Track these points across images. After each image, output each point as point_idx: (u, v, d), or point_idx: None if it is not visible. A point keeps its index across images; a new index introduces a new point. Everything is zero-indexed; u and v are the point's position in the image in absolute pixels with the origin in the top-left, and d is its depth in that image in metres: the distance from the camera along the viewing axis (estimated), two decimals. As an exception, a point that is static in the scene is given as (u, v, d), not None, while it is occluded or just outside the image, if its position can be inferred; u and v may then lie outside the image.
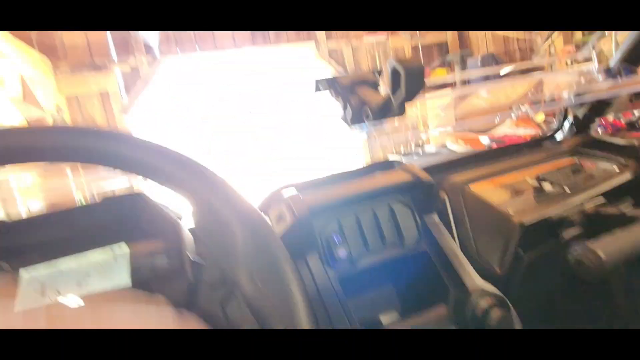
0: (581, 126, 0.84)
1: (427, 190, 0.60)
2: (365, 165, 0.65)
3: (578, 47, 3.34)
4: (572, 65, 3.26)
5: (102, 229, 0.38)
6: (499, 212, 0.62)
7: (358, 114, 0.47)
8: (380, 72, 0.54)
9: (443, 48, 4.92)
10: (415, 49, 4.75)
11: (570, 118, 0.85)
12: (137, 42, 3.82)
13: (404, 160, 0.67)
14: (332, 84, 0.51)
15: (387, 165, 0.65)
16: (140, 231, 0.38)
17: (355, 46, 4.68)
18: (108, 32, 3.78)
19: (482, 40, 4.67)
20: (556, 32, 3.52)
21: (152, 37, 3.46)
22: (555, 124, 0.90)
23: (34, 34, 3.37)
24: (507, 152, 0.80)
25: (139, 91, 3.70)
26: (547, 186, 0.69)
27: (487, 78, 3.75)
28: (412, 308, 0.55)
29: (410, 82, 0.37)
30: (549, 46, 3.62)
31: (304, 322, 0.23)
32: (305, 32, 4.47)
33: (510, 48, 4.34)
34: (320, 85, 0.51)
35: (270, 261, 0.24)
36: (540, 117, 3.34)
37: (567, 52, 3.47)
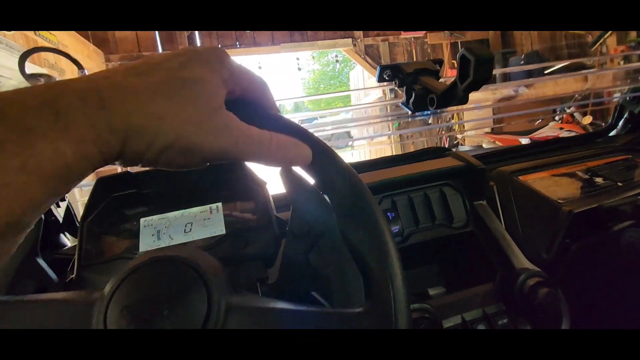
0: (637, 123, 0.83)
1: (478, 175, 0.63)
2: (417, 150, 0.69)
3: (632, 48, 3.15)
4: (624, 64, 3.08)
5: (203, 184, 0.45)
6: (549, 201, 0.64)
7: (422, 101, 0.51)
8: (439, 62, 0.58)
9: (484, 45, 4.78)
10: (454, 45, 4.66)
11: (626, 115, 0.84)
12: (181, 36, 4.03)
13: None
14: (396, 72, 0.55)
15: (439, 151, 0.68)
16: (233, 188, 0.45)
17: (392, 42, 4.67)
18: None
19: (527, 37, 4.49)
20: (609, 31, 3.33)
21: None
22: (608, 122, 0.89)
23: None
24: (557, 146, 0.81)
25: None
26: (598, 180, 0.70)
27: (531, 76, 3.62)
28: (458, 284, 0.59)
29: (479, 69, 0.41)
30: (600, 45, 3.43)
31: (394, 259, 0.28)
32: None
33: (557, 45, 4.14)
34: (384, 72, 0.56)
35: (366, 209, 0.29)
36: (587, 120, 3.18)
37: (620, 51, 3.28)
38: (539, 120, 3.33)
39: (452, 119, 3.98)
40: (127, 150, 0.20)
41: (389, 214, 0.60)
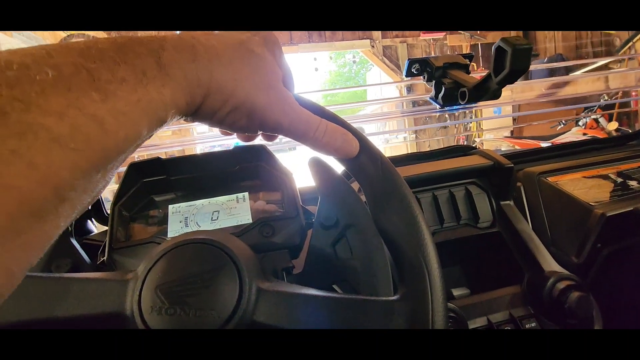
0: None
1: (505, 174, 0.61)
2: (442, 148, 0.68)
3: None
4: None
5: (232, 171, 0.45)
6: (579, 203, 0.62)
7: (452, 95, 0.50)
8: (469, 57, 0.57)
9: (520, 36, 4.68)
10: (473, 47, 4.58)
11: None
12: None
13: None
14: (425, 65, 0.54)
15: (465, 149, 0.67)
16: (260, 177, 0.45)
17: (411, 44, 4.62)
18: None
19: (550, 39, 4.38)
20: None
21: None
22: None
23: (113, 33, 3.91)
24: (588, 148, 0.78)
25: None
26: (632, 183, 0.67)
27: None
28: (483, 286, 0.57)
29: (516, 60, 0.39)
30: (629, 49, 3.32)
31: (430, 245, 0.27)
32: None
33: (582, 49, 4.02)
34: (412, 66, 0.55)
35: (400, 197, 0.28)
36: (612, 126, 3.07)
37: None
38: (560, 125, 3.23)
39: (470, 125, 3.91)
40: (205, 105, 0.22)
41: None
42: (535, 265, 0.56)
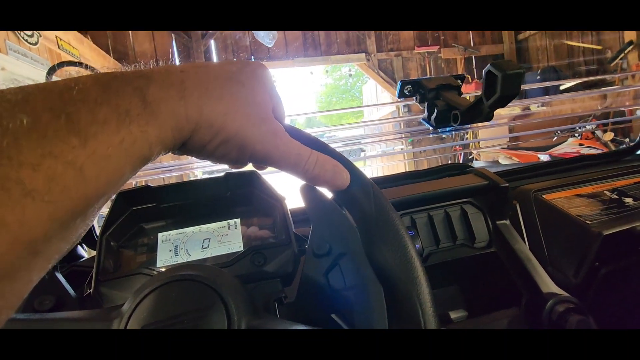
0: (666, 141, 0.80)
1: (500, 194, 0.61)
2: (437, 166, 0.68)
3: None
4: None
5: (223, 197, 0.44)
6: (576, 221, 0.61)
7: (445, 117, 0.50)
8: (460, 78, 0.57)
9: (511, 61, 4.69)
10: (467, 60, 4.63)
11: (654, 132, 0.81)
12: (197, 50, 4.13)
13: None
14: (417, 87, 0.55)
15: (459, 167, 0.67)
16: (252, 203, 0.44)
17: (406, 57, 4.66)
18: (174, 43, 4.16)
19: (543, 53, 4.43)
20: (630, 46, 3.27)
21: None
22: (632, 139, 0.86)
23: (110, 42, 3.82)
24: (582, 164, 0.78)
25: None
26: (628, 200, 0.67)
27: (547, 92, 3.56)
28: (480, 308, 0.56)
29: (507, 86, 0.39)
30: (620, 60, 3.37)
31: (423, 282, 0.26)
32: (356, 43, 4.51)
33: (574, 62, 4.07)
34: (405, 87, 0.55)
35: (393, 232, 0.28)
36: (608, 136, 3.09)
37: (641, 66, 3.20)
38: (555, 136, 3.25)
39: (467, 135, 3.93)
40: (193, 139, 0.22)
41: (408, 232, 0.59)
42: (533, 287, 0.55)
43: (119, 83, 0.19)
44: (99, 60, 3.39)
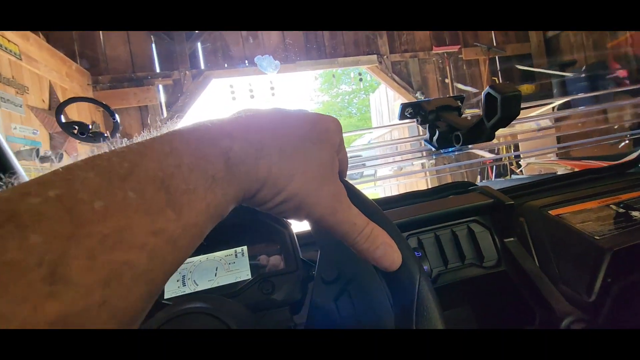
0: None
1: (507, 212, 0.61)
2: (441, 185, 0.68)
3: None
4: None
5: (230, 225, 0.44)
6: (584, 237, 0.60)
7: (447, 138, 0.51)
8: (460, 98, 0.58)
9: (525, 60, 4.11)
10: (492, 61, 4.12)
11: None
12: (181, 55, 3.67)
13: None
14: (417, 109, 0.55)
15: (463, 185, 0.67)
16: (258, 230, 0.45)
17: (422, 59, 4.11)
18: (153, 46, 3.63)
19: (579, 48, 3.75)
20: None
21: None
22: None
23: (77, 47, 3.30)
24: (586, 178, 0.78)
25: (181, 106, 3.61)
26: (635, 214, 0.66)
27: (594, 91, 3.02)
28: (494, 327, 0.55)
29: (506, 108, 0.40)
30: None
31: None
32: (365, 44, 4.00)
33: (619, 59, 3.41)
34: (405, 110, 0.56)
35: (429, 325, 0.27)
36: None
37: None
38: (623, 143, 2.69)
39: (499, 147, 3.37)
40: (257, 196, 0.22)
41: (415, 253, 0.58)
42: (545, 305, 0.54)
43: (207, 147, 0.19)
44: (55, 63, 2.76)
